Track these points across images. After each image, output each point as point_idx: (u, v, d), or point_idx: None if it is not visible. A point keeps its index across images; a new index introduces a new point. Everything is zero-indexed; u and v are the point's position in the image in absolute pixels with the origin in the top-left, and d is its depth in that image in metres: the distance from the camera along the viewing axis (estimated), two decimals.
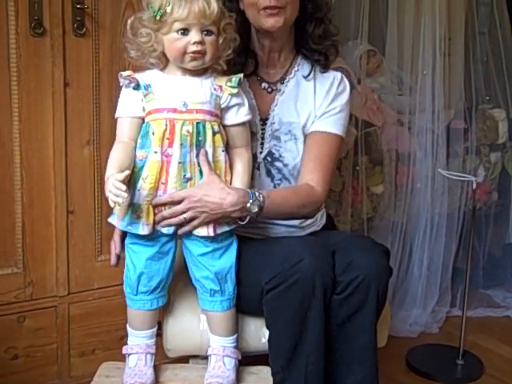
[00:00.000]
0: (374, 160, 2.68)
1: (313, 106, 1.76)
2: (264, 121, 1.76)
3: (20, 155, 1.88)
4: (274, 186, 1.74)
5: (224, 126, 1.58)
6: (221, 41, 1.54)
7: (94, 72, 1.94)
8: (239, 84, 1.58)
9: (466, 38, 2.91)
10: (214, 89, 1.56)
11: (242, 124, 1.62)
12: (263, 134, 1.75)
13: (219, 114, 1.57)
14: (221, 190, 1.54)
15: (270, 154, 1.75)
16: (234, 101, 1.58)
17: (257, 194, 1.58)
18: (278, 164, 1.75)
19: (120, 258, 1.66)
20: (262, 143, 1.76)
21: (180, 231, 1.56)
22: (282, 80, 1.78)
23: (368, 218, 2.67)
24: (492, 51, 3.04)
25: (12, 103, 1.84)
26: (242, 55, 1.71)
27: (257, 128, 1.75)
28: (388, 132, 2.71)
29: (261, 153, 1.75)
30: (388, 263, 1.64)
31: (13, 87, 1.83)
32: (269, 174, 1.74)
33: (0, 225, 1.92)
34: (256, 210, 1.57)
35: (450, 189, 2.82)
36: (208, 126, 1.53)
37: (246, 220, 1.59)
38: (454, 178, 2.54)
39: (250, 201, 1.56)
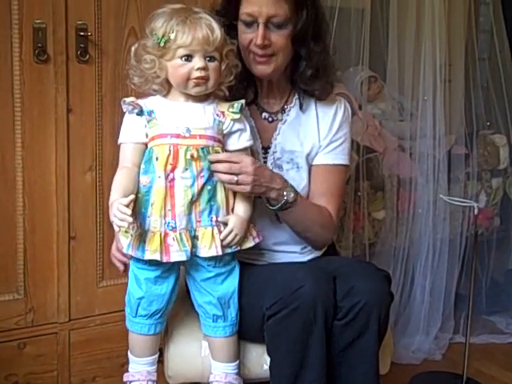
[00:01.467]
0: (375, 185, 2.68)
1: (317, 135, 1.77)
2: (266, 149, 1.76)
3: (22, 181, 1.89)
4: (276, 214, 1.74)
5: (227, 152, 1.60)
6: (223, 67, 1.56)
7: (97, 98, 1.95)
8: (241, 110, 1.59)
9: (466, 64, 2.93)
10: (217, 114, 1.57)
11: (245, 149, 1.63)
12: (265, 162, 1.75)
13: (222, 139, 1.58)
14: (272, 176, 1.63)
15: None
16: (237, 126, 1.60)
17: (293, 187, 1.67)
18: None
19: (127, 266, 1.64)
20: None
21: (231, 187, 1.57)
22: (282, 110, 1.78)
23: (370, 244, 2.66)
24: (492, 77, 3.06)
25: (15, 130, 1.85)
26: (243, 82, 1.72)
27: (259, 157, 1.74)
28: (389, 158, 2.72)
29: None
30: (389, 289, 1.64)
31: (16, 113, 1.84)
32: (270, 201, 1.74)
33: (2, 251, 1.91)
34: (292, 195, 1.65)
35: (452, 214, 2.82)
36: (212, 151, 1.54)
37: (278, 206, 1.64)
38: (456, 203, 2.54)
39: (288, 188, 1.65)
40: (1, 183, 1.88)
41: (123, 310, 1.62)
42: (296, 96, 1.79)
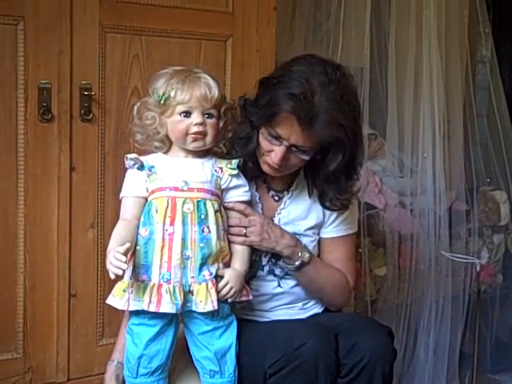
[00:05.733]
0: (376, 242, 2.68)
1: (321, 209, 1.77)
2: None
3: (24, 239, 1.88)
4: (278, 283, 1.76)
5: (225, 208, 1.63)
6: (221, 124, 1.61)
7: (100, 156, 1.96)
8: (239, 166, 1.64)
9: (464, 120, 2.97)
10: (215, 170, 1.61)
11: (243, 204, 1.66)
12: None
13: (220, 194, 1.61)
14: (282, 232, 1.69)
15: (274, 255, 1.74)
16: (234, 182, 1.64)
17: (306, 247, 1.72)
18: (281, 263, 1.75)
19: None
20: None
21: (235, 240, 1.63)
22: (288, 186, 1.79)
23: (371, 301, 2.65)
24: (491, 134, 3.09)
25: (18, 187, 1.85)
26: (252, 158, 1.72)
27: None
28: (390, 214, 2.72)
29: (265, 256, 1.75)
30: (392, 345, 1.63)
31: (19, 172, 1.85)
32: (272, 273, 1.76)
33: (1, 309, 1.89)
34: (307, 255, 1.70)
35: (454, 271, 2.81)
36: (209, 204, 1.56)
37: (294, 265, 1.69)
38: (458, 259, 2.54)
39: (302, 247, 1.71)
40: (2, 240, 1.87)
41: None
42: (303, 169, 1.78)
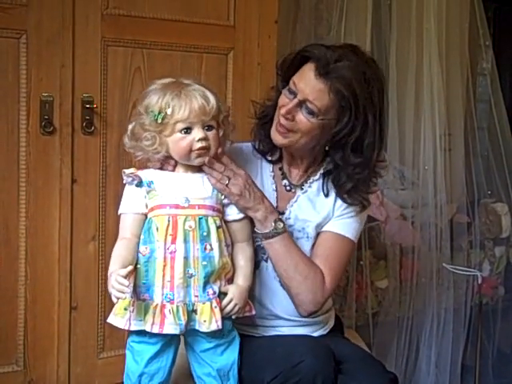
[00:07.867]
0: (377, 254, 2.68)
1: (332, 208, 1.76)
2: (280, 214, 1.75)
3: (25, 251, 1.88)
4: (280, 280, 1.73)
5: (225, 222, 1.60)
6: (221, 134, 1.58)
7: (101, 169, 1.97)
8: None
9: (465, 133, 2.98)
10: None
11: (244, 219, 1.64)
12: None
13: (221, 208, 1.59)
14: (262, 197, 1.66)
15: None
16: None
17: (283, 221, 1.69)
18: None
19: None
20: None
21: (220, 187, 1.59)
22: (303, 184, 1.78)
23: (373, 313, 2.64)
24: (492, 146, 3.10)
25: (19, 200, 1.86)
26: (269, 141, 1.74)
27: None
28: (391, 226, 2.73)
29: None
30: None
31: (21, 184, 1.85)
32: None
33: (2, 321, 1.89)
34: (281, 226, 1.66)
35: (456, 283, 2.81)
36: (211, 220, 1.54)
37: (265, 231, 1.65)
38: (459, 272, 2.54)
39: (278, 218, 1.67)
40: (4, 253, 1.87)
41: (123, 383, 1.60)
42: (322, 171, 1.77)
